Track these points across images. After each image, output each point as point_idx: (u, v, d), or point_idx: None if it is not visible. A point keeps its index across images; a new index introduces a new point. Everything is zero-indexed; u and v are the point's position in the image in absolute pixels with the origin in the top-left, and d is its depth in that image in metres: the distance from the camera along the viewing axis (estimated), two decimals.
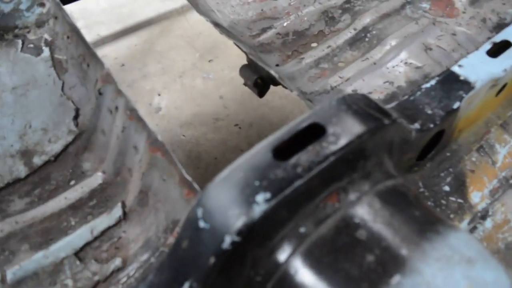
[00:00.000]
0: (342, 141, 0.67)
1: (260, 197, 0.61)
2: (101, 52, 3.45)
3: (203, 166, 2.72)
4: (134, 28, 3.69)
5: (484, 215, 0.97)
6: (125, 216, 0.94)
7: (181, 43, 3.53)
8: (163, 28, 3.66)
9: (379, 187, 0.75)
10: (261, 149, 0.66)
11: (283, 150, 0.68)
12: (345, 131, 0.68)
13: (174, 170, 0.83)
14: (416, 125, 0.88)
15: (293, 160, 0.65)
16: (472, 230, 0.96)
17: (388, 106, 0.92)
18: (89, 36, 3.55)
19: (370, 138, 0.71)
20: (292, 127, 0.69)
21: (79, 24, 3.63)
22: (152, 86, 3.19)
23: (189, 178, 0.80)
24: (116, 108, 0.99)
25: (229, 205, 0.61)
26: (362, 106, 0.74)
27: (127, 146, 0.96)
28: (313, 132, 0.70)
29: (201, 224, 0.62)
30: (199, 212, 0.63)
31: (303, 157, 0.65)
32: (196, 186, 0.79)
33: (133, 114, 0.93)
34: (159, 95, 3.15)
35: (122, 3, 3.88)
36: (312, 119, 0.70)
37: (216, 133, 2.94)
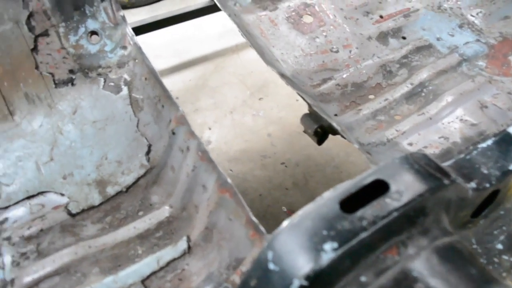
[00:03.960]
0: (405, 198, 0.73)
1: (328, 246, 0.66)
2: None
3: (247, 202, 2.76)
4: (189, 64, 3.85)
5: None
6: (189, 249, 1.01)
7: (234, 80, 3.65)
8: (217, 65, 3.80)
9: (437, 243, 0.79)
10: (329, 201, 0.72)
11: (349, 203, 0.73)
12: (407, 189, 0.74)
13: (241, 211, 0.89)
14: (472, 184, 0.92)
15: (359, 213, 0.70)
16: None
17: (445, 164, 0.97)
18: None
19: (430, 197, 0.76)
20: (358, 182, 0.75)
21: None
22: (203, 120, 3.31)
23: (256, 220, 0.87)
24: (188, 148, 1.07)
25: (299, 251, 0.67)
26: (423, 166, 0.79)
27: (195, 184, 1.04)
28: (377, 187, 0.76)
29: (271, 266, 0.68)
30: (270, 255, 0.69)
31: (368, 211, 0.70)
32: (262, 228, 0.85)
33: (204, 155, 1.01)
34: (209, 129, 3.26)
35: (179, 39, 4.07)
36: (377, 175, 0.76)
37: (263, 170, 2.99)
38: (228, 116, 3.36)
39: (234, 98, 3.48)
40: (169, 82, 3.65)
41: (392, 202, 0.73)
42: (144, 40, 3.57)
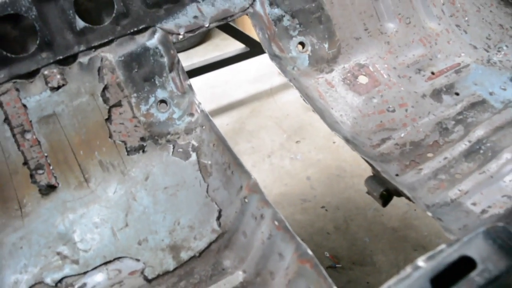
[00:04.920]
0: (493, 275, 0.75)
1: None
2: None
3: None
4: (226, 108, 3.93)
5: None
6: None
7: (270, 124, 3.70)
8: (253, 108, 3.87)
9: None
10: (420, 279, 0.75)
11: (438, 278, 0.76)
12: (494, 266, 0.77)
13: (323, 282, 0.92)
14: None
15: None
16: None
17: None
18: None
19: None
20: (445, 258, 0.78)
21: None
22: None
23: None
24: (262, 216, 1.11)
25: None
26: (505, 240, 0.82)
27: (271, 252, 1.08)
28: (463, 262, 0.79)
29: None
30: None
31: None
32: None
33: (281, 225, 1.05)
34: None
35: (216, 84, 4.17)
36: (463, 251, 0.79)
37: (303, 214, 3.00)
38: (266, 160, 3.40)
39: (271, 141, 3.52)
40: None
41: (481, 279, 0.75)
42: None
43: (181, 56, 4.98)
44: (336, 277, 2.61)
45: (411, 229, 2.83)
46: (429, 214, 1.10)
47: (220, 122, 3.74)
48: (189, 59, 4.51)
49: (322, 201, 3.06)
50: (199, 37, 4.86)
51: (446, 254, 0.79)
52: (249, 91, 4.07)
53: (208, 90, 4.12)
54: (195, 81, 3.78)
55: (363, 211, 3.00)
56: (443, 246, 0.86)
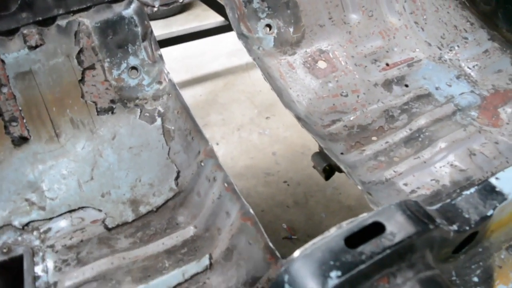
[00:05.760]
0: (397, 239, 0.90)
1: (333, 274, 0.84)
2: None
3: None
4: (200, 79, 4.00)
5: None
6: (211, 266, 1.17)
7: (242, 98, 3.80)
8: (227, 82, 3.96)
9: (420, 275, 0.97)
10: (336, 237, 0.90)
11: (352, 239, 0.91)
12: (399, 231, 0.92)
13: (260, 237, 1.07)
14: (454, 227, 1.08)
15: (359, 249, 0.88)
16: None
17: (433, 208, 1.14)
18: None
19: (417, 238, 0.93)
20: (360, 222, 0.92)
21: None
22: (211, 135, 3.46)
23: (273, 246, 1.04)
24: (214, 178, 1.25)
25: (310, 277, 0.85)
26: (414, 212, 0.97)
27: (220, 210, 1.22)
28: (376, 227, 0.94)
29: (286, 287, 0.86)
30: (286, 277, 0.86)
31: (367, 248, 0.88)
32: (277, 253, 1.03)
33: (230, 187, 1.19)
34: (217, 144, 3.41)
35: (192, 55, 4.22)
36: (376, 218, 0.93)
37: (266, 187, 3.14)
38: (236, 133, 3.51)
39: (242, 115, 3.63)
40: None
41: (386, 241, 0.90)
42: None
43: (161, 23, 4.99)
44: (291, 247, 2.76)
45: (366, 208, 2.93)
46: (360, 188, 1.25)
47: (194, 93, 3.82)
48: (168, 27, 4.54)
49: (285, 176, 3.19)
50: (180, 5, 4.88)
51: (363, 219, 0.94)
52: (225, 65, 4.14)
53: (185, 60, 4.17)
54: (172, 50, 3.85)
55: (322, 188, 3.12)
56: (364, 214, 1.01)
